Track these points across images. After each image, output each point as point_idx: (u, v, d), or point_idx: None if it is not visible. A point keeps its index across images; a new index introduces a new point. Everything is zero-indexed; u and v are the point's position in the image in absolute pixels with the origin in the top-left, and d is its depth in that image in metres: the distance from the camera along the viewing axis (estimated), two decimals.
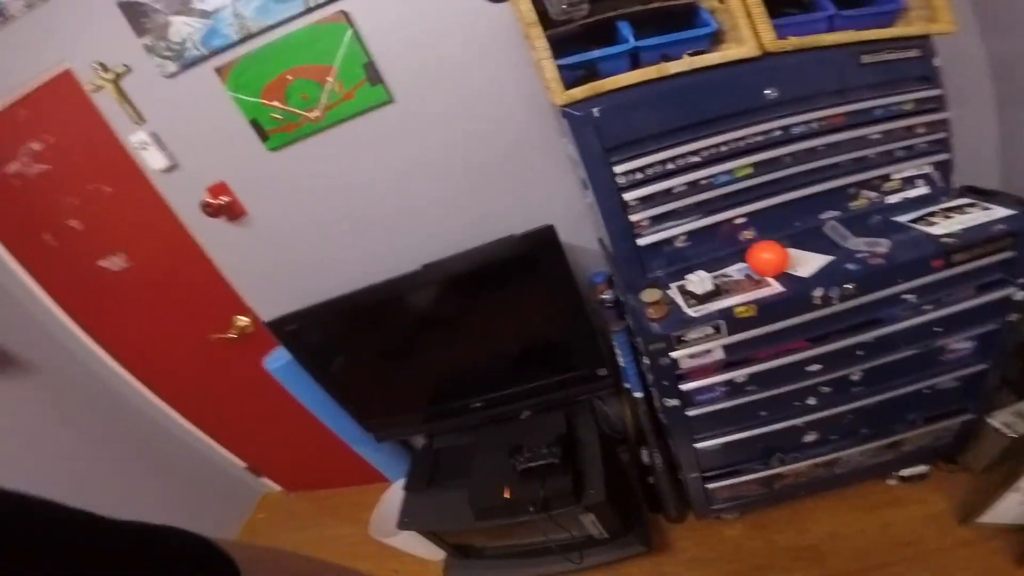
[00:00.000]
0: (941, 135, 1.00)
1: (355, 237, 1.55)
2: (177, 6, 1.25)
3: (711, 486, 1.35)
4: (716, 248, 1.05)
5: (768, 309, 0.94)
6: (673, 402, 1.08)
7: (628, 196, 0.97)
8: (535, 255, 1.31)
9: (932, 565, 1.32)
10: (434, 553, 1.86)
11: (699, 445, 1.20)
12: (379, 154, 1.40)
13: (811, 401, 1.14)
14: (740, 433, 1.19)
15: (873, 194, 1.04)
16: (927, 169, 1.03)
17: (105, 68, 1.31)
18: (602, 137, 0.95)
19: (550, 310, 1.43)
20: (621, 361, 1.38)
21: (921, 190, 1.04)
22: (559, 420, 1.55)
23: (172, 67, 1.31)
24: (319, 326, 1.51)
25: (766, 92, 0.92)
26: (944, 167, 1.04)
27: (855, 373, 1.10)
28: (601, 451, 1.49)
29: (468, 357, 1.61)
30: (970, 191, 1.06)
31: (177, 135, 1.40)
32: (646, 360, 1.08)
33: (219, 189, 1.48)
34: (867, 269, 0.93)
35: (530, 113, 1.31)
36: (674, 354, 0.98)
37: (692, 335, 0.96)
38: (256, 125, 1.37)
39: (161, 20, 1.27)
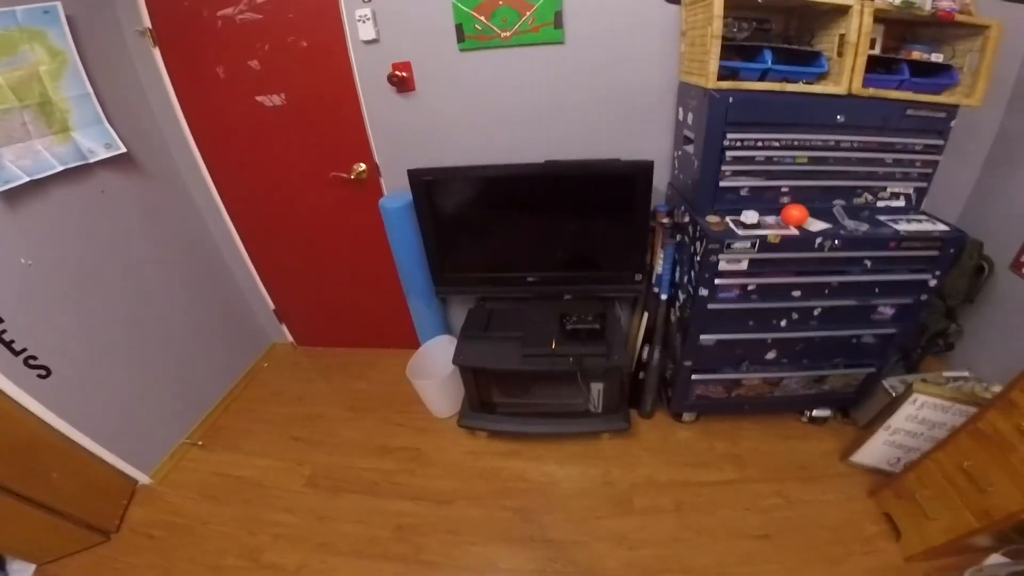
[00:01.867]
0: (928, 171, 1.56)
1: (498, 128, 1.98)
2: None
3: (695, 377, 1.90)
4: (763, 202, 1.58)
5: (787, 242, 1.49)
6: (705, 292, 1.62)
7: (728, 154, 1.49)
8: (632, 178, 1.78)
9: (814, 485, 1.85)
10: (445, 407, 2.29)
11: (703, 336, 1.76)
12: (540, 76, 1.85)
13: (783, 322, 1.70)
14: (730, 334, 1.73)
15: (870, 197, 1.60)
16: (910, 190, 1.60)
17: None
18: (727, 114, 1.43)
19: (619, 222, 1.90)
20: (659, 269, 1.91)
21: (900, 203, 1.61)
22: (597, 305, 2.04)
23: None
24: (446, 184, 1.92)
25: (838, 116, 1.43)
26: (921, 193, 1.61)
27: (817, 308, 1.65)
28: None
29: (541, 240, 2.03)
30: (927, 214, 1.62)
31: (392, 18, 1.79)
32: (697, 258, 1.62)
33: (403, 66, 1.88)
34: (850, 237, 1.49)
35: (659, 83, 1.80)
36: (721, 255, 1.53)
37: (736, 245, 1.50)
38: (459, 29, 1.77)
39: None
